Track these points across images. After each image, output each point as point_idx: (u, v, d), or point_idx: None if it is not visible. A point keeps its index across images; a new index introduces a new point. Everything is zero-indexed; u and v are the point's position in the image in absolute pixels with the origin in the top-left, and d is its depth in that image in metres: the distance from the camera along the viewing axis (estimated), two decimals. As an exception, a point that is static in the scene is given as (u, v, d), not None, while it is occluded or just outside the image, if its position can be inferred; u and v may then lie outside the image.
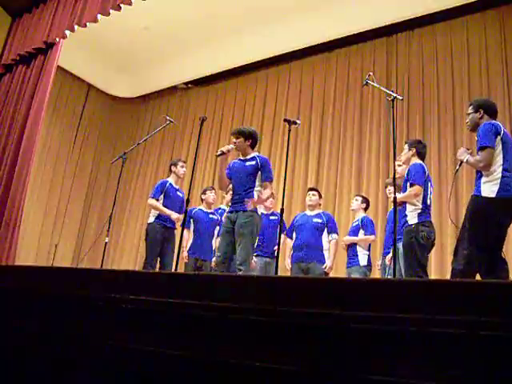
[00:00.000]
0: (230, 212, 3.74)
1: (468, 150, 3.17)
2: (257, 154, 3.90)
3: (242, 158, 3.90)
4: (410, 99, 6.22)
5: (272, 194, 3.89)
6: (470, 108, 3.18)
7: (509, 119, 5.40)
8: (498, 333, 1.36)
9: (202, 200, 5.15)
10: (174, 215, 4.53)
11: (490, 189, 2.84)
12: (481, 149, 2.94)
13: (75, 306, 2.49)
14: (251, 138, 3.85)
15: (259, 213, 3.73)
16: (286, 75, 7.67)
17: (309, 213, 4.74)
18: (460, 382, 1.39)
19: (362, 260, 4.52)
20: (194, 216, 4.95)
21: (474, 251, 2.78)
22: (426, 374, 1.41)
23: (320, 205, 4.88)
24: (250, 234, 3.57)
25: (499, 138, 2.92)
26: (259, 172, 3.75)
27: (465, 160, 3.09)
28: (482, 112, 3.10)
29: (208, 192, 5.10)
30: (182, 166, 4.80)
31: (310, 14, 6.67)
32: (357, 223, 4.68)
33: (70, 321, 2.47)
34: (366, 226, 4.62)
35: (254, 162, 3.77)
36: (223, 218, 4.00)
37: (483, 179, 2.90)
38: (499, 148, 2.91)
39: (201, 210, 5.02)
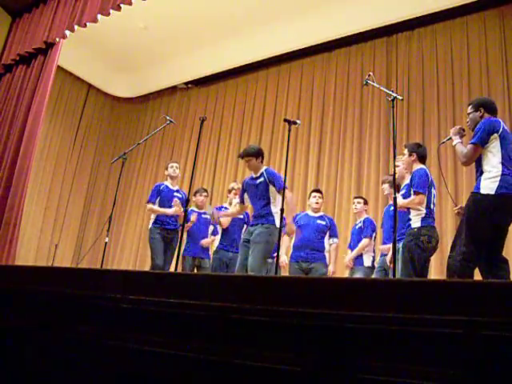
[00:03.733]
0: (251, 225, 3.96)
1: (463, 131, 3.22)
2: (264, 168, 4.04)
3: (253, 176, 4.08)
4: (410, 99, 6.22)
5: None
6: (470, 107, 3.18)
7: (509, 119, 5.40)
8: (498, 333, 1.36)
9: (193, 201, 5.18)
10: (168, 211, 4.70)
11: (489, 186, 2.82)
12: (471, 144, 2.96)
13: (75, 305, 2.49)
14: (260, 156, 4.01)
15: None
16: (286, 75, 7.67)
17: (311, 213, 4.71)
18: (460, 381, 1.39)
19: (367, 261, 4.51)
20: (187, 217, 4.95)
21: (471, 248, 2.76)
22: (426, 374, 1.41)
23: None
24: (264, 242, 3.68)
25: (496, 135, 2.91)
26: (270, 186, 3.91)
27: (454, 143, 3.16)
28: (482, 111, 3.10)
29: (198, 195, 5.16)
30: (172, 167, 5.00)
31: (309, 14, 6.67)
32: (360, 225, 4.65)
33: (70, 321, 2.47)
34: (366, 227, 4.59)
35: (262, 179, 3.94)
36: (243, 232, 4.24)
37: (483, 176, 2.89)
38: (497, 145, 2.90)
39: (193, 210, 5.04)
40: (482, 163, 2.94)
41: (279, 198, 3.81)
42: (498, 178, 2.82)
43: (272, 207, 3.87)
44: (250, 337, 1.81)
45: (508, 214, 2.86)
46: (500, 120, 3.03)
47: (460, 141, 3.14)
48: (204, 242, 4.92)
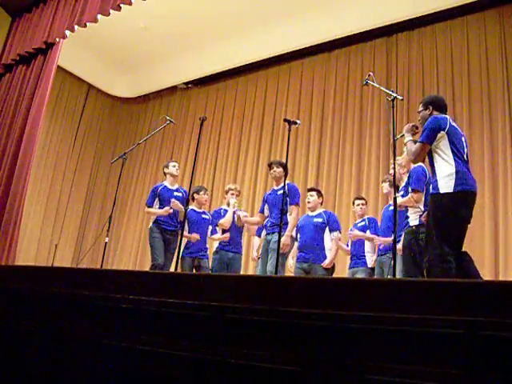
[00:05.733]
0: (267, 234, 4.37)
1: (416, 128, 3.24)
2: (287, 182, 4.16)
3: (275, 188, 4.52)
4: (410, 99, 6.22)
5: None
6: (420, 106, 3.21)
7: (509, 119, 5.40)
8: (498, 333, 1.36)
9: (193, 199, 5.05)
10: (158, 211, 4.72)
11: (446, 184, 2.83)
12: (419, 142, 2.99)
13: (75, 306, 2.49)
14: (286, 170, 4.21)
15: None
16: (286, 75, 7.66)
17: (310, 213, 4.71)
18: (459, 381, 1.39)
19: (370, 262, 4.51)
20: (187, 217, 4.90)
21: (445, 248, 2.75)
22: (426, 374, 1.41)
23: (321, 204, 4.83)
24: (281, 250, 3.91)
25: (443, 132, 2.91)
26: (288, 198, 4.22)
27: (405, 140, 3.21)
28: (431, 108, 3.12)
29: (201, 193, 5.05)
30: (174, 166, 4.99)
31: (310, 14, 6.67)
32: (363, 223, 4.62)
33: (70, 321, 2.47)
34: (374, 227, 4.58)
35: (282, 191, 4.09)
36: (261, 241, 4.58)
37: (438, 175, 2.90)
38: (446, 142, 2.90)
39: (193, 210, 4.97)
40: (434, 162, 2.96)
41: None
42: (454, 176, 2.82)
43: (288, 216, 4.23)
44: (250, 337, 1.81)
45: (468, 208, 2.87)
46: (447, 117, 3.03)
47: (411, 138, 3.17)
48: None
